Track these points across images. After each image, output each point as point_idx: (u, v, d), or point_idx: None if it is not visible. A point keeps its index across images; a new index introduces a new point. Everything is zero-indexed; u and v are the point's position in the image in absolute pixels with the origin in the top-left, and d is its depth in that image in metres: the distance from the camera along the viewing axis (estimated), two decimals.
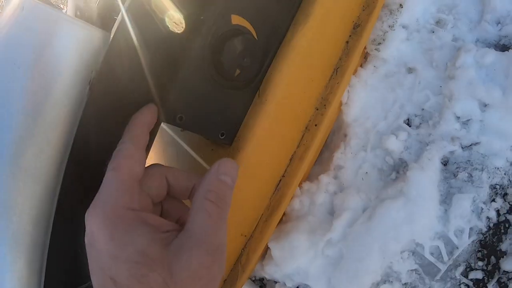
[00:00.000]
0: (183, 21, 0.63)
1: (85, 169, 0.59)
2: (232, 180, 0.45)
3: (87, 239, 0.42)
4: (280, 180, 0.83)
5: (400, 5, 0.87)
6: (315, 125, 0.81)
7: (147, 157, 0.55)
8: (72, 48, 0.61)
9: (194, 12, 0.58)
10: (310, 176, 0.91)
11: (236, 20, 0.63)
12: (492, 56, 0.82)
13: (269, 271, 0.88)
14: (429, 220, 0.81)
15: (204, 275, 0.40)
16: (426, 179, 0.81)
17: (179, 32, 0.60)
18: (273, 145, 0.79)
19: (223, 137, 0.71)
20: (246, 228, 0.85)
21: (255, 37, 0.65)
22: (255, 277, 0.96)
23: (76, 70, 0.61)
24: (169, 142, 0.93)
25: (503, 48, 0.88)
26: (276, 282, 0.92)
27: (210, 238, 0.41)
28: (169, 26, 0.58)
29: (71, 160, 0.58)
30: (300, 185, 0.88)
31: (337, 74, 0.83)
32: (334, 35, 0.81)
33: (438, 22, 0.90)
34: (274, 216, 0.83)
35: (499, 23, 0.88)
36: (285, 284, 0.90)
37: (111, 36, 0.62)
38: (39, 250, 0.62)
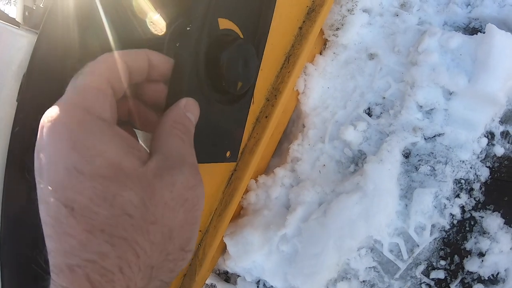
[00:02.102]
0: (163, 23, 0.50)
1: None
2: (195, 119, 0.39)
3: (35, 152, 0.30)
4: (232, 174, 0.76)
5: None
6: (266, 117, 0.73)
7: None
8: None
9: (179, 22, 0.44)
10: (268, 168, 0.83)
11: (223, 23, 0.47)
12: (458, 39, 0.71)
13: (230, 265, 0.81)
14: (388, 216, 0.71)
15: (189, 197, 0.32)
16: (384, 172, 0.71)
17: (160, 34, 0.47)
18: None
19: (229, 157, 0.56)
20: (201, 223, 0.78)
21: (241, 36, 0.50)
22: (219, 270, 0.89)
23: (4, 78, 0.60)
24: None
25: (472, 31, 0.76)
26: (238, 276, 0.86)
27: (189, 159, 0.34)
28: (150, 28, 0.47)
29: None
30: (256, 178, 0.80)
31: (289, 62, 0.74)
32: (286, 21, 0.72)
33: (403, 5, 0.79)
34: (227, 210, 0.75)
35: (469, 4, 0.76)
36: (245, 279, 0.83)
37: (35, 40, 0.58)
38: None
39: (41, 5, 0.78)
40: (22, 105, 0.58)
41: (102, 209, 0.27)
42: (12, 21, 0.78)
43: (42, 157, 0.29)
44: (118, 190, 0.28)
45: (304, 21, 0.74)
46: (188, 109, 0.38)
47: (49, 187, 0.28)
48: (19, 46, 0.62)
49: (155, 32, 0.49)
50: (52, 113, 0.29)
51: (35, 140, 0.65)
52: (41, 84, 0.59)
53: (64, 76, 0.60)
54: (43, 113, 0.62)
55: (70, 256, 0.27)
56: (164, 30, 0.46)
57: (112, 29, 0.52)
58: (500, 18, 0.73)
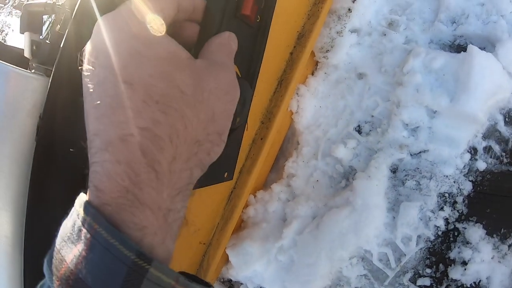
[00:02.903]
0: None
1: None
2: (235, 48, 0.43)
3: (90, 46, 0.33)
4: (232, 192, 0.83)
5: (349, 9, 0.81)
6: (261, 139, 0.78)
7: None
8: (11, 100, 0.66)
9: None
10: (266, 184, 0.89)
11: None
12: (442, 59, 0.75)
13: (233, 274, 0.89)
14: (376, 228, 0.77)
15: (230, 91, 0.37)
16: (372, 188, 0.77)
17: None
18: None
19: (227, 177, 0.64)
20: (205, 236, 0.85)
21: (239, 74, 0.56)
22: (223, 278, 0.97)
23: (21, 119, 0.67)
24: None
25: (458, 48, 0.79)
26: (241, 284, 0.93)
27: (231, 68, 0.39)
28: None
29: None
30: (254, 193, 0.87)
31: (281, 86, 0.79)
32: (278, 48, 0.77)
33: (391, 24, 0.83)
34: (228, 225, 0.82)
35: (454, 22, 0.79)
36: (247, 286, 0.90)
37: (49, 82, 0.65)
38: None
39: (47, 41, 0.84)
40: (41, 144, 0.66)
41: (159, 83, 0.31)
42: (20, 54, 0.85)
43: (102, 43, 0.32)
44: (175, 70, 0.32)
45: (294, 46, 0.79)
46: (232, 40, 0.42)
47: (109, 68, 0.31)
48: (32, 88, 0.69)
49: None
50: (113, 13, 0.33)
51: (54, 171, 0.73)
52: (57, 124, 0.66)
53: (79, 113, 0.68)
54: (60, 150, 0.70)
55: (125, 126, 0.30)
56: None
57: None
58: (484, 36, 0.77)
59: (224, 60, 0.38)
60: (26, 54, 0.82)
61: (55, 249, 0.30)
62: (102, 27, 0.33)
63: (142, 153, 0.30)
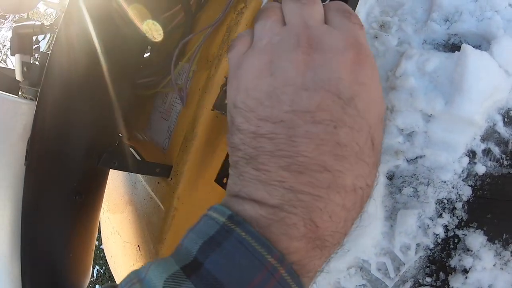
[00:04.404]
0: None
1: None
2: None
3: (354, 89, 0.34)
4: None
5: None
6: None
7: None
8: (1, 126, 0.69)
9: None
10: None
11: None
12: (435, 61, 0.73)
13: None
14: (373, 237, 0.76)
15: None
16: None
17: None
18: (206, 178, 0.78)
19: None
20: None
21: None
22: None
23: (11, 144, 0.69)
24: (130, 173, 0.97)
25: (452, 48, 0.77)
26: None
27: None
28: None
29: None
30: None
31: None
32: None
33: (382, 26, 0.81)
34: None
35: (447, 20, 0.77)
36: None
37: (35, 109, 0.67)
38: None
39: (37, 62, 0.86)
40: (30, 168, 0.68)
41: (380, 149, 0.36)
42: (11, 76, 0.87)
43: (369, 92, 0.34)
44: (378, 134, 0.36)
45: None
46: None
47: (368, 120, 0.34)
48: (21, 112, 0.71)
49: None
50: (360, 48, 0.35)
51: (46, 192, 0.75)
52: (46, 146, 0.67)
53: (65, 137, 0.69)
54: (50, 175, 0.73)
55: (360, 179, 0.34)
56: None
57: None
58: (478, 33, 0.74)
59: None
60: (17, 76, 0.84)
61: None
62: (367, 70, 0.34)
63: (360, 204, 0.36)
